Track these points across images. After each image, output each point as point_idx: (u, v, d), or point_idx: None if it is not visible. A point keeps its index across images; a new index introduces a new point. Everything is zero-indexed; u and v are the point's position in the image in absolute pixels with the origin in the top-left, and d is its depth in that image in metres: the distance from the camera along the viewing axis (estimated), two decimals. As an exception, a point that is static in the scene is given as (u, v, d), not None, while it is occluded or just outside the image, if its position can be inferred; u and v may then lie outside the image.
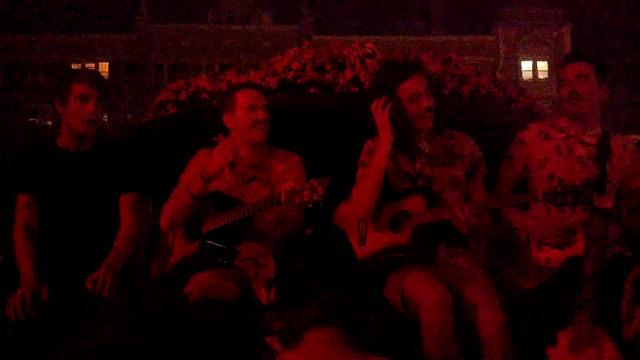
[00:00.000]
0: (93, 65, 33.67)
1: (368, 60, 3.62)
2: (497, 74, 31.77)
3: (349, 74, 3.53)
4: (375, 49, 3.83)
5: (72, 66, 33.33)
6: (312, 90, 3.52)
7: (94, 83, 2.71)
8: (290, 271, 2.13)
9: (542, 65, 35.72)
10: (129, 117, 30.42)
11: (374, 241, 2.62)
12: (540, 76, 35.50)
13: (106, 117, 30.11)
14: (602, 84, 2.79)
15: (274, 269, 2.27)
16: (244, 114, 2.76)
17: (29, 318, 2.38)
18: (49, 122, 32.46)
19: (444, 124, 2.75)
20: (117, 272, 2.55)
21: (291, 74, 3.58)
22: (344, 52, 3.68)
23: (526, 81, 33.11)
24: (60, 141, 2.81)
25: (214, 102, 3.60)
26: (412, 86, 2.63)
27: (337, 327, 1.86)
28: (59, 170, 2.74)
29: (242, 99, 2.78)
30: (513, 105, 3.88)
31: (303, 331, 1.85)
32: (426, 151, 2.74)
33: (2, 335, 2.39)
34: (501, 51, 35.47)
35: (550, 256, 2.65)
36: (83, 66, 33.27)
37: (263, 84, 3.52)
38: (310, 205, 2.34)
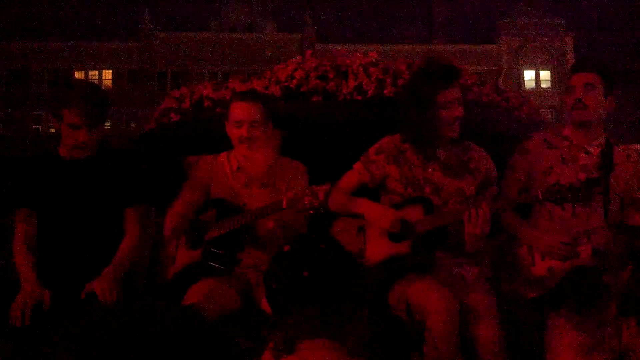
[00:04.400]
0: (96, 72, 33.79)
1: (371, 69, 3.62)
2: (500, 83, 31.81)
3: (352, 83, 3.54)
4: (378, 58, 3.83)
5: (76, 74, 33.48)
6: (315, 98, 3.53)
7: (83, 110, 2.60)
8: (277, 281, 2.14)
9: (545, 75, 35.77)
10: (132, 124, 30.48)
11: (374, 253, 2.62)
12: (543, 85, 35.54)
13: (109, 124, 30.23)
14: (609, 95, 2.78)
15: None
16: (231, 129, 2.79)
17: (32, 323, 2.37)
18: (52, 130, 32.54)
19: (465, 136, 2.76)
20: (118, 280, 2.54)
21: (294, 82, 3.59)
22: (347, 61, 3.69)
23: (529, 90, 33.15)
24: (61, 150, 2.79)
25: (217, 109, 3.61)
26: (449, 95, 2.63)
27: (329, 336, 1.87)
28: (61, 177, 2.72)
29: (233, 112, 2.79)
30: (516, 113, 3.89)
31: (296, 341, 1.86)
32: (441, 158, 2.74)
33: (4, 339, 2.38)
34: (504, 60, 35.52)
35: (554, 266, 2.64)
36: (86, 74, 33.39)
37: (266, 92, 3.53)
38: (311, 212, 2.34)
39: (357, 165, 2.80)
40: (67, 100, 2.63)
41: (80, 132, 2.64)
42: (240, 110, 2.77)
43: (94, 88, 2.81)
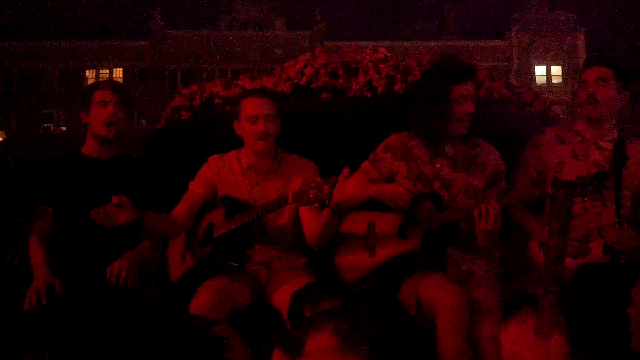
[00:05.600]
0: (107, 71, 33.95)
1: (381, 65, 3.60)
2: (511, 78, 31.64)
3: (361, 79, 3.52)
4: (388, 54, 3.82)
5: (87, 72, 33.65)
6: (325, 95, 3.52)
7: (111, 88, 2.86)
8: None
9: (556, 70, 35.54)
10: (143, 122, 30.58)
11: (384, 250, 2.61)
12: (554, 81, 35.31)
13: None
14: (623, 90, 2.76)
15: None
16: (246, 124, 2.76)
17: (45, 308, 2.43)
18: (63, 128, 32.73)
19: (477, 132, 2.75)
20: (136, 263, 2.60)
21: (304, 79, 3.57)
22: (356, 57, 3.67)
23: (540, 86, 32.95)
24: (85, 148, 2.89)
25: (227, 107, 3.61)
26: (463, 90, 2.64)
27: (334, 332, 1.89)
28: (83, 176, 2.79)
29: (246, 108, 2.77)
30: (527, 109, 3.86)
31: (304, 338, 1.88)
32: (449, 154, 2.74)
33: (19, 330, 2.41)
34: (514, 56, 35.33)
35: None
36: (97, 72, 33.58)
37: (276, 89, 3.52)
38: (316, 205, 2.33)
39: (365, 164, 2.80)
40: (96, 85, 2.92)
41: (108, 107, 2.82)
42: (254, 105, 2.76)
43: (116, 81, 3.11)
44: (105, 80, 3.02)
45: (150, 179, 2.88)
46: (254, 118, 2.73)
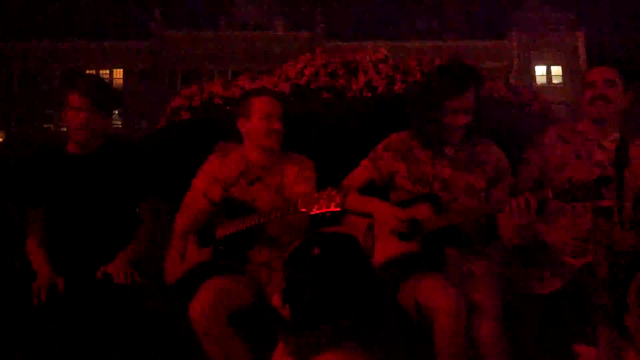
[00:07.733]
0: (107, 72, 33.92)
1: (381, 66, 3.61)
2: (511, 78, 31.63)
3: (361, 79, 3.53)
4: (388, 54, 3.82)
5: (87, 73, 33.63)
6: (324, 95, 3.53)
7: (86, 94, 2.72)
8: (302, 295, 2.09)
9: (556, 70, 35.54)
10: (143, 122, 30.59)
11: (383, 251, 2.60)
12: (554, 81, 35.30)
13: (120, 123, 30.36)
14: (627, 91, 2.76)
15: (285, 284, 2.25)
16: (259, 122, 2.77)
17: (48, 304, 2.46)
18: (64, 129, 32.75)
19: (474, 134, 2.74)
20: (132, 263, 2.63)
21: (304, 79, 3.58)
22: (356, 58, 3.68)
23: (540, 86, 32.96)
24: (69, 146, 2.87)
25: (227, 107, 3.62)
26: (459, 103, 2.60)
27: (347, 351, 1.86)
28: (68, 173, 2.78)
29: (259, 106, 2.78)
30: (527, 109, 3.87)
31: (312, 356, 1.85)
32: (450, 154, 2.73)
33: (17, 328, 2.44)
34: (515, 56, 35.32)
35: (566, 262, 2.63)
36: (97, 73, 33.55)
37: (276, 89, 3.53)
38: (328, 215, 2.33)
39: (365, 162, 2.79)
40: (72, 86, 2.76)
41: (80, 114, 2.72)
42: (268, 104, 2.78)
43: (101, 79, 3.04)
44: (82, 82, 2.78)
45: (143, 164, 2.87)
46: (269, 115, 2.76)
